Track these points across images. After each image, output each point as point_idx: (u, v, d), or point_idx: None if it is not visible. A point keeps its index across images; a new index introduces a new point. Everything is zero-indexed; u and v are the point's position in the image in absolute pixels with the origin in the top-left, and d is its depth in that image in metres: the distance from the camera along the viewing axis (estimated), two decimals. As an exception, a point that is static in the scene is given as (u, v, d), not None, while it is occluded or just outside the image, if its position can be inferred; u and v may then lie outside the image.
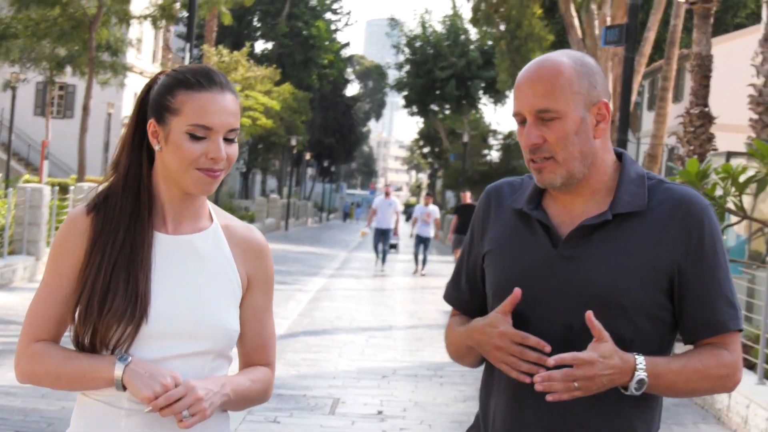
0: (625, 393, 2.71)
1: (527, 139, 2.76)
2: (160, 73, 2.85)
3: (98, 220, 2.81)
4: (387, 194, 28.55)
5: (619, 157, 2.89)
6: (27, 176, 38.25)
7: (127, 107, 52.73)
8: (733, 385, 2.82)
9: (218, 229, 2.90)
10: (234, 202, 53.72)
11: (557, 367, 2.66)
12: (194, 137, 2.74)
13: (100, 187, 2.89)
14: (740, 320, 2.81)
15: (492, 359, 2.77)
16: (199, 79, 2.77)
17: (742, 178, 11.68)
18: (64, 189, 23.06)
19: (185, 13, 38.43)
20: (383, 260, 28.88)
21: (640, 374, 2.68)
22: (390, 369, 12.28)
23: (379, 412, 9.80)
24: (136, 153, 2.83)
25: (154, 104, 2.79)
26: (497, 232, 2.92)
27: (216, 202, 37.58)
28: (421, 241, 28.05)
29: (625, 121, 15.58)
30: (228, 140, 2.78)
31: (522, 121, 2.79)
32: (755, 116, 17.41)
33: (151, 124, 2.79)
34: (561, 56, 2.78)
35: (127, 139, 2.86)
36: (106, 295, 2.73)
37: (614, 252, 2.75)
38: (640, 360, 2.69)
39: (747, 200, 13.99)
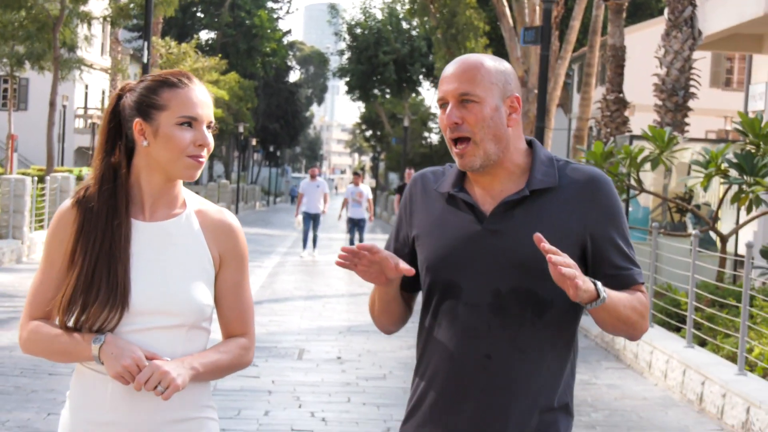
0: (586, 307, 2.95)
1: (448, 119, 3.05)
2: (125, 85, 3.17)
3: (80, 216, 3.09)
4: (313, 176, 26.38)
5: (530, 144, 3.18)
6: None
7: (79, 99, 54.14)
8: (646, 327, 3.11)
9: (191, 215, 3.16)
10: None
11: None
12: (184, 127, 3.05)
13: (81, 184, 3.18)
14: (642, 276, 3.13)
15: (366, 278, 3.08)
16: (179, 78, 3.08)
17: (639, 159, 13.83)
18: (40, 179, 24.83)
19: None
20: (314, 244, 26.35)
21: (603, 293, 2.93)
22: (345, 327, 14.28)
23: (339, 357, 11.84)
24: (109, 156, 3.12)
25: (139, 105, 3.07)
26: (426, 215, 3.19)
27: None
28: (355, 224, 26.09)
29: (542, 112, 17.55)
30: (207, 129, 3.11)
31: (444, 106, 3.09)
32: (660, 102, 19.58)
33: (138, 123, 3.05)
34: (482, 55, 3.12)
35: (100, 145, 3.14)
36: (90, 288, 3.02)
37: (533, 224, 3.02)
38: (598, 282, 2.96)
39: (649, 177, 16.09)
